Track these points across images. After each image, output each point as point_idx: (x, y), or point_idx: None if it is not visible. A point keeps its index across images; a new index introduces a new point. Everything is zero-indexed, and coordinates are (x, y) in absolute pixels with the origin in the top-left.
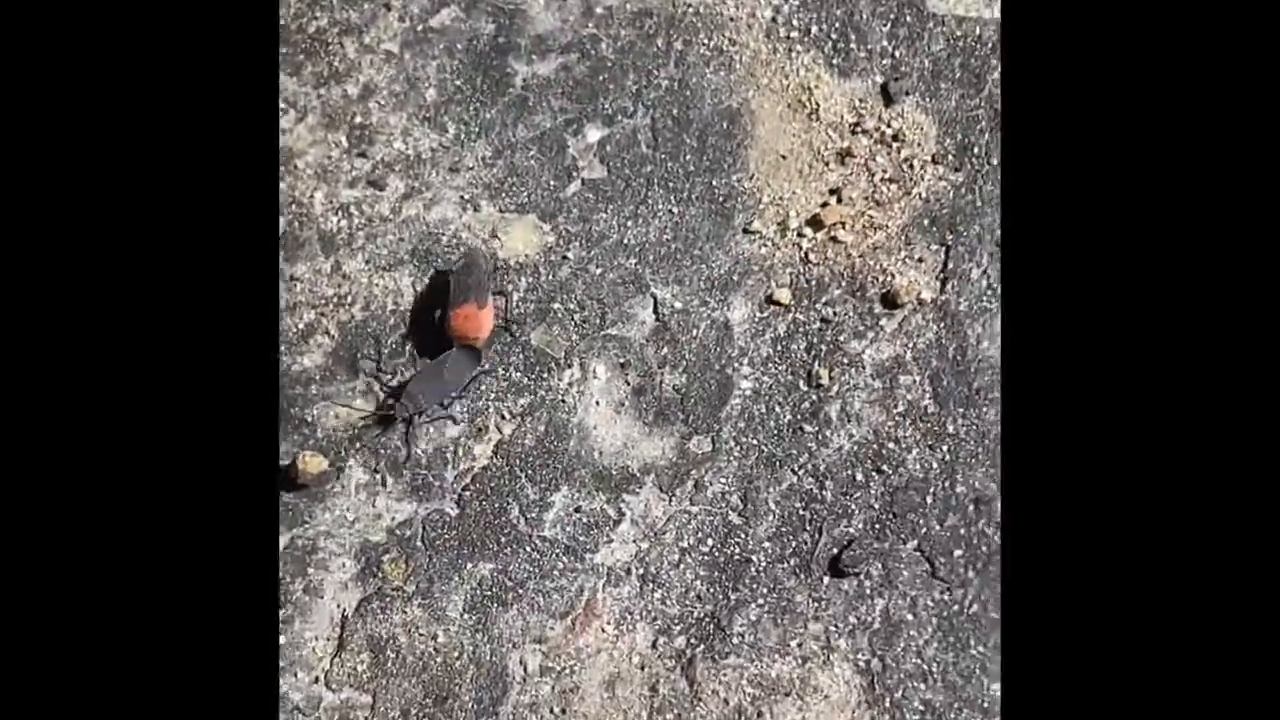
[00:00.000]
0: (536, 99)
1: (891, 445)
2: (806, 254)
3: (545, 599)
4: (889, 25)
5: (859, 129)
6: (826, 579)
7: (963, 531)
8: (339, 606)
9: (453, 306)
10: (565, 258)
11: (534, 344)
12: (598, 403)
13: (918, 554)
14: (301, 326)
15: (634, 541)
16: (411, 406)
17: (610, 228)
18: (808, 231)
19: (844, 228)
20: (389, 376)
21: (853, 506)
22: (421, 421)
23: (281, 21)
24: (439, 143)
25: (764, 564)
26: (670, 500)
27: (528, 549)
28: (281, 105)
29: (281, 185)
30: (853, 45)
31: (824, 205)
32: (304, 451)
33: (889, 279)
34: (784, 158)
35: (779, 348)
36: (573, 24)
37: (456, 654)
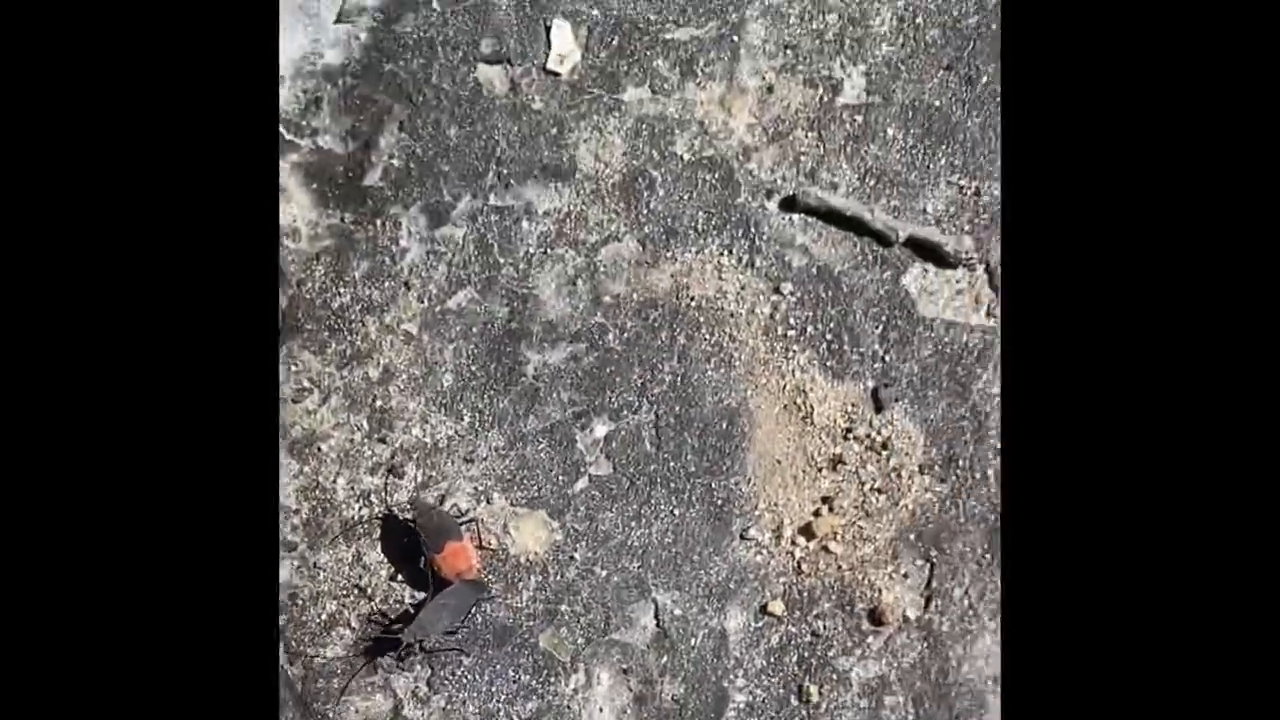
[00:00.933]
0: (547, 389)
1: None
2: (799, 564)
3: None
4: (881, 328)
5: (850, 435)
6: None
7: None
8: None
9: (434, 552)
10: (572, 558)
11: (542, 646)
12: (601, 709)
13: None
14: (324, 618)
15: None
16: (419, 633)
17: (615, 528)
18: (800, 540)
19: (835, 539)
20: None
21: None
22: (430, 646)
23: (307, 296)
24: (455, 431)
25: None
26: None
27: None
28: (306, 385)
29: (305, 469)
30: (846, 347)
31: (816, 514)
32: None
33: (876, 594)
34: (779, 462)
35: (772, 660)
36: (582, 312)
37: None
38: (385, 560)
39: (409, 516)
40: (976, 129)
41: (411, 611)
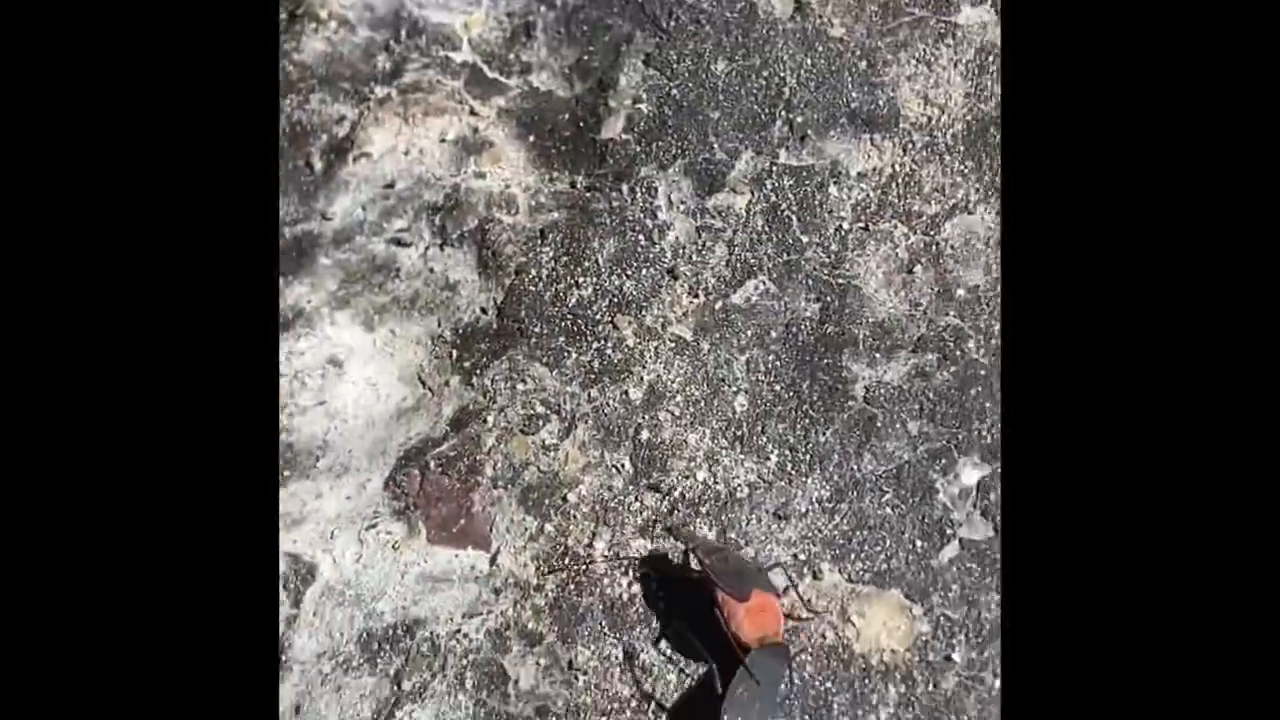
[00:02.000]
0: (887, 419)
1: None
2: None
3: None
4: None
5: None
6: None
7: None
8: None
9: (738, 601)
10: (949, 659)
11: None
12: None
13: None
14: None
15: None
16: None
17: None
18: None
19: None
20: None
21: None
22: None
23: (532, 287)
24: (759, 475)
25: None
26: None
27: None
28: (540, 411)
29: (546, 528)
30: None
31: None
32: None
33: None
34: None
35: None
36: (925, 310)
37: None
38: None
39: (689, 549)
40: None
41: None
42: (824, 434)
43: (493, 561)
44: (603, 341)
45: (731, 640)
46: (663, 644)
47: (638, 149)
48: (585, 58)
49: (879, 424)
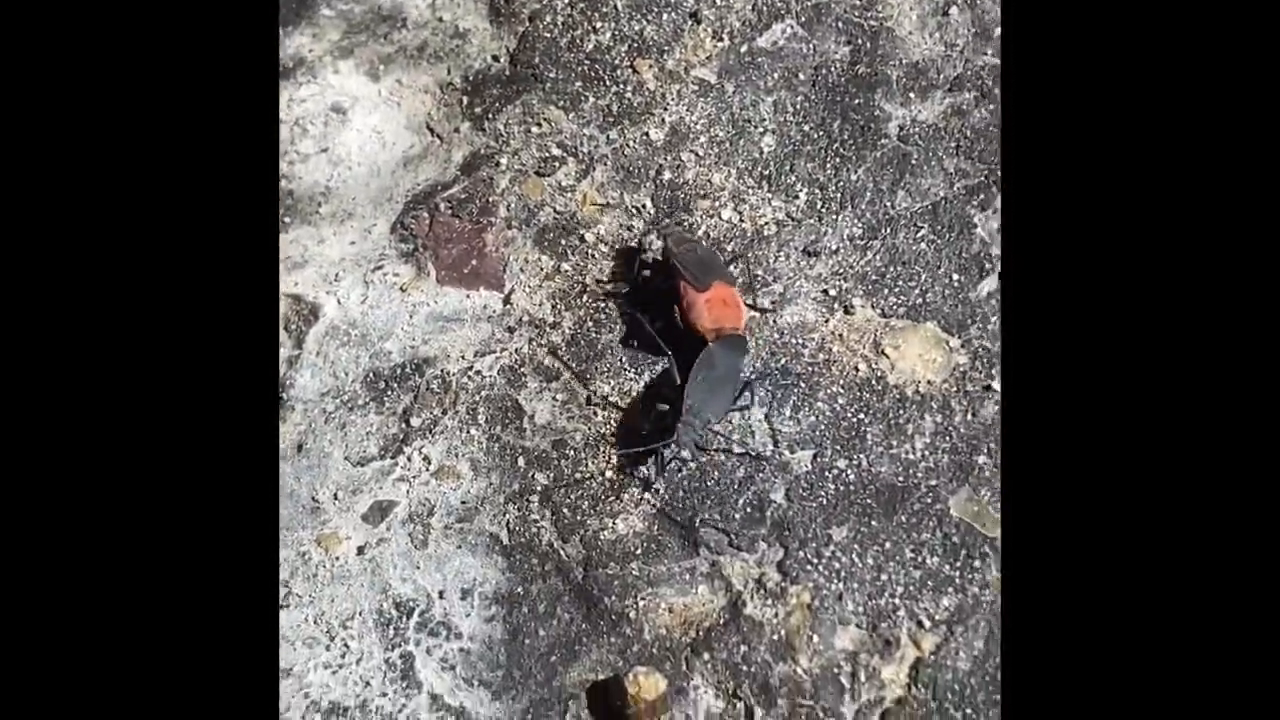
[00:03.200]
0: (922, 156)
1: None
2: None
3: None
4: None
5: None
6: None
7: None
8: None
9: (696, 291)
10: (988, 388)
11: (954, 515)
12: None
13: None
14: (603, 475)
15: None
16: (698, 424)
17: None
18: None
19: None
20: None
21: None
22: (714, 441)
23: (546, 33)
24: (786, 213)
25: None
26: None
27: None
28: (556, 153)
29: (562, 266)
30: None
31: None
32: (635, 670)
33: None
34: None
35: None
36: (962, 50)
37: None
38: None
39: (662, 244)
40: None
41: (661, 398)
42: (856, 172)
43: (506, 301)
44: (622, 85)
45: (689, 329)
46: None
47: None
48: None
49: (914, 161)
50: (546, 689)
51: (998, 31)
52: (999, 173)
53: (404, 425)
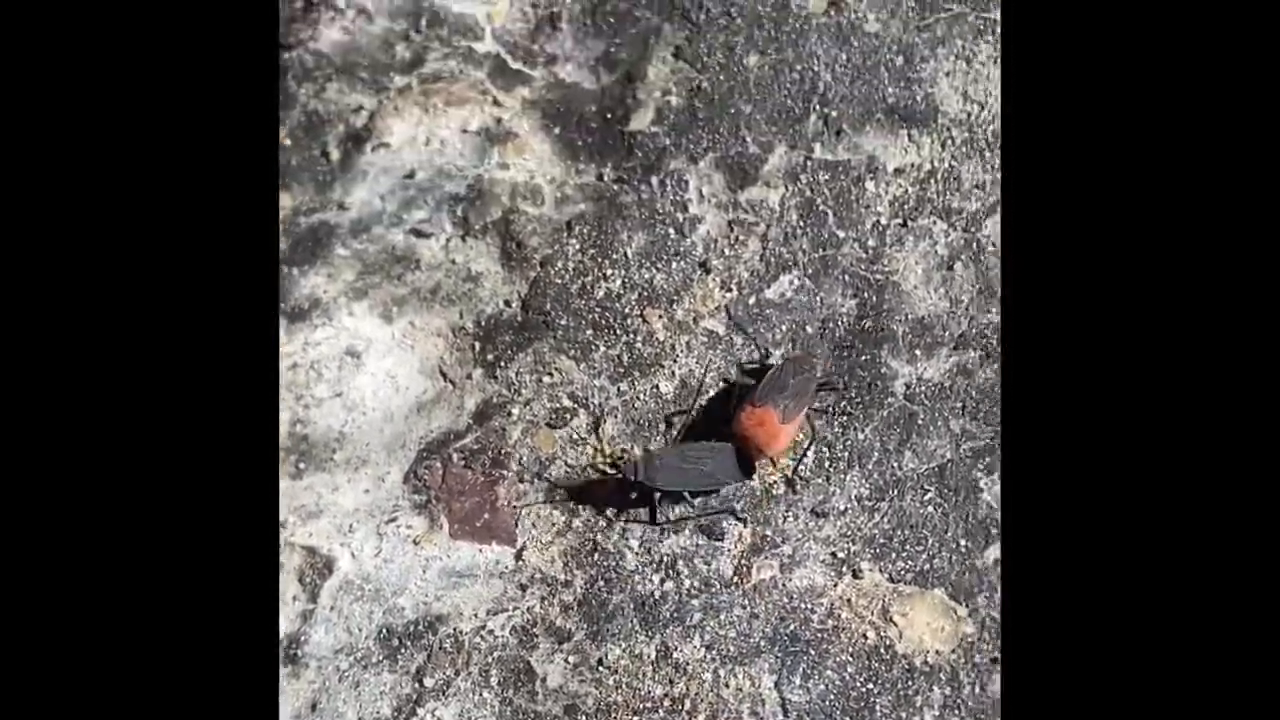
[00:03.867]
0: (928, 416)
1: None
2: None
3: None
4: None
5: None
6: None
7: None
8: None
9: (755, 401)
10: (995, 660)
11: None
12: None
13: None
14: None
15: None
16: (641, 473)
17: None
18: None
19: None
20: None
21: None
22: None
23: (558, 280)
24: (794, 471)
25: None
26: None
27: None
28: (569, 404)
29: (573, 524)
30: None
31: None
32: None
33: None
34: None
35: None
36: (967, 307)
37: None
38: None
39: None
40: None
41: None
42: (863, 431)
43: (518, 557)
44: (632, 335)
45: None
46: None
47: (667, 142)
48: (612, 50)
49: (920, 421)
50: None
51: (1003, 290)
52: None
53: (417, 685)
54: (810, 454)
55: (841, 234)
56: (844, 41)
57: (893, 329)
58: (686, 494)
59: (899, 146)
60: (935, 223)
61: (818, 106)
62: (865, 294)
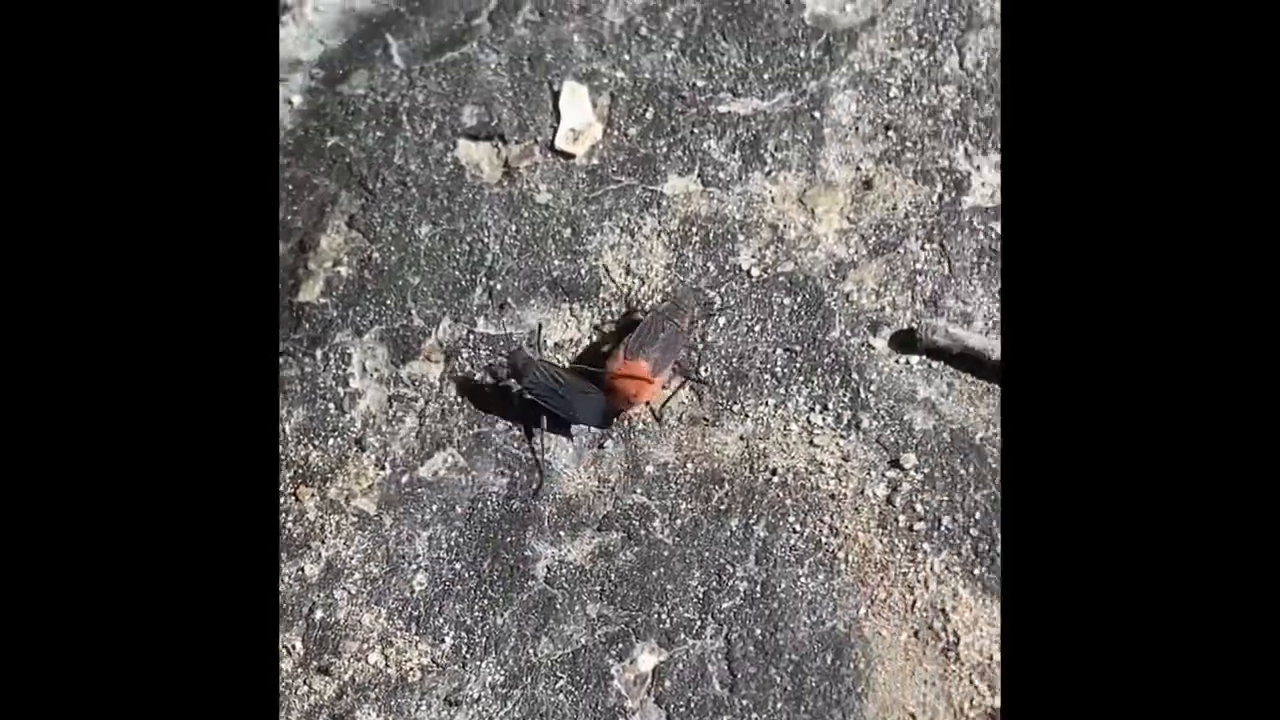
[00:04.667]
0: (566, 600)
1: None
2: None
3: None
4: None
5: None
6: None
7: None
8: None
9: (626, 353)
10: None
11: None
12: None
13: None
14: None
15: None
16: (516, 367)
17: None
18: None
19: None
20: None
21: None
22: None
23: None
24: (433, 659)
25: None
26: None
27: None
28: None
29: None
30: (998, 548)
31: None
32: None
33: None
34: (913, 717)
35: None
36: (614, 488)
37: None
38: None
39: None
40: None
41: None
42: (502, 615)
43: None
44: (285, 515)
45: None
46: None
47: (334, 314)
48: (289, 217)
49: (558, 605)
50: None
51: (649, 469)
52: (637, 620)
53: None
54: (683, 392)
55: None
56: (514, 212)
57: (539, 509)
58: (545, 407)
59: (560, 320)
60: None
61: (484, 279)
62: (516, 472)
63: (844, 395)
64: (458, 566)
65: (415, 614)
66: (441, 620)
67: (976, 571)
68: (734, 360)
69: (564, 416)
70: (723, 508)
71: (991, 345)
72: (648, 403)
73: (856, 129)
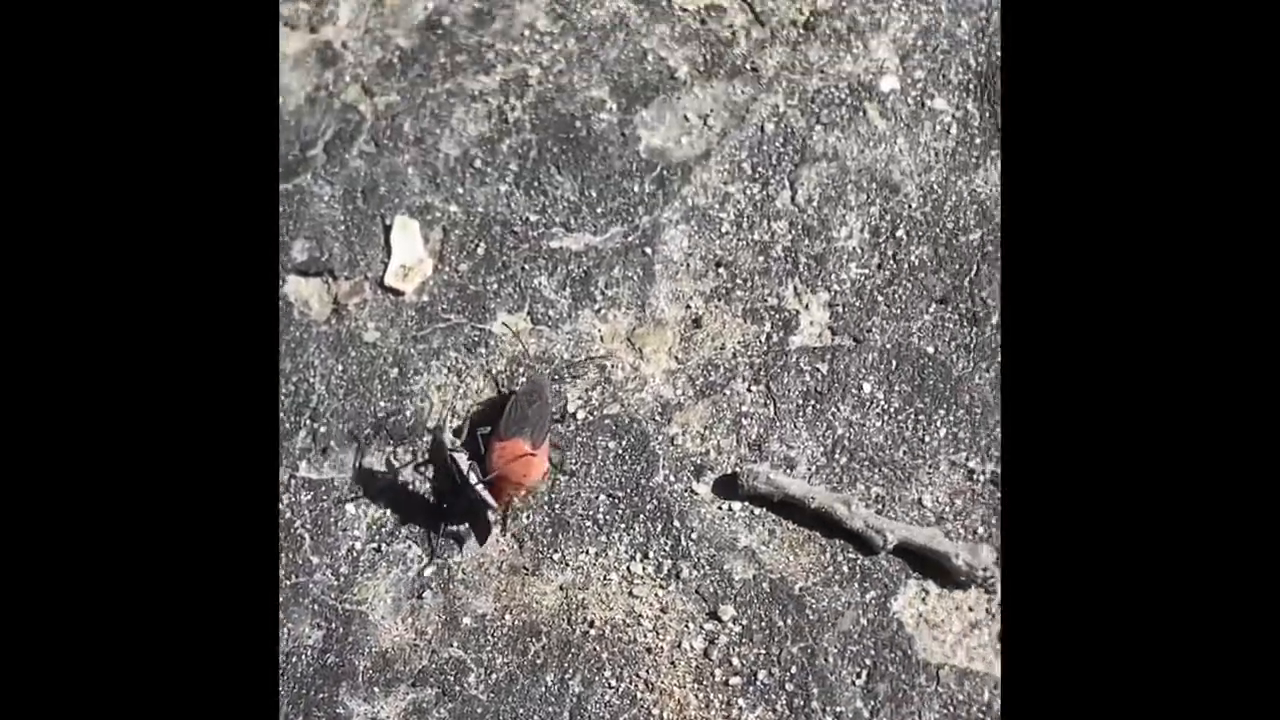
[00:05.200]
0: None
1: None
2: None
3: None
4: (864, 676)
5: None
6: None
7: None
8: None
9: (503, 435)
10: None
11: None
12: None
13: None
14: None
15: None
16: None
17: None
18: None
19: None
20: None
21: None
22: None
23: None
24: None
25: None
26: None
27: None
28: None
29: None
30: (816, 704)
31: None
32: None
33: None
34: None
35: None
36: (430, 640)
37: None
38: None
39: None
40: (986, 387)
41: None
42: None
43: None
44: None
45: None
46: None
47: None
48: None
49: None
50: None
51: (466, 620)
52: None
53: None
54: (504, 539)
55: (316, 559)
56: (341, 351)
57: (354, 664)
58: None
59: (382, 463)
60: (410, 547)
61: (309, 421)
62: (333, 624)
63: (665, 543)
64: None
65: None
66: None
67: None
68: (556, 506)
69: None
70: (539, 661)
71: (811, 492)
72: (510, 499)
73: (688, 265)
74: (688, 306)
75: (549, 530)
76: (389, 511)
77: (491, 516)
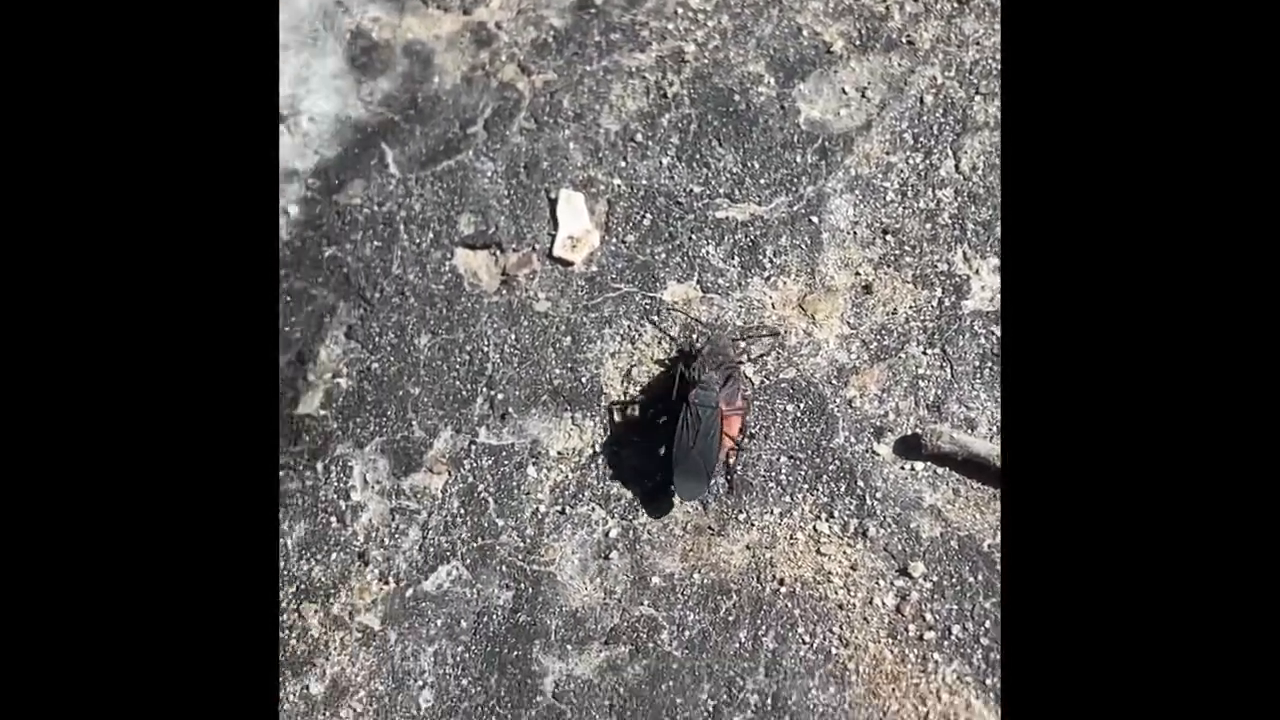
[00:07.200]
0: (576, 715)
1: None
2: None
3: None
4: None
5: None
6: None
7: None
8: None
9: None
10: None
11: None
12: None
13: None
14: None
15: None
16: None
17: None
18: None
19: None
20: None
21: None
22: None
23: None
24: None
25: None
26: None
27: None
28: None
29: None
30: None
31: None
32: None
33: None
34: None
35: None
36: (620, 599)
37: None
38: None
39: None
40: None
41: None
42: None
43: None
44: (286, 631)
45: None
46: None
47: (335, 426)
48: (287, 329)
49: None
50: None
51: (655, 580)
52: None
53: None
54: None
55: (501, 522)
56: (514, 321)
57: (546, 623)
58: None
59: (562, 430)
60: (594, 509)
61: (485, 389)
62: (522, 584)
63: (850, 503)
64: (464, 683)
65: None
66: None
67: (988, 682)
68: (738, 468)
69: (675, 454)
70: (731, 619)
71: (996, 451)
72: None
73: (854, 234)
74: (857, 273)
75: (733, 491)
76: (571, 474)
77: (725, 470)
